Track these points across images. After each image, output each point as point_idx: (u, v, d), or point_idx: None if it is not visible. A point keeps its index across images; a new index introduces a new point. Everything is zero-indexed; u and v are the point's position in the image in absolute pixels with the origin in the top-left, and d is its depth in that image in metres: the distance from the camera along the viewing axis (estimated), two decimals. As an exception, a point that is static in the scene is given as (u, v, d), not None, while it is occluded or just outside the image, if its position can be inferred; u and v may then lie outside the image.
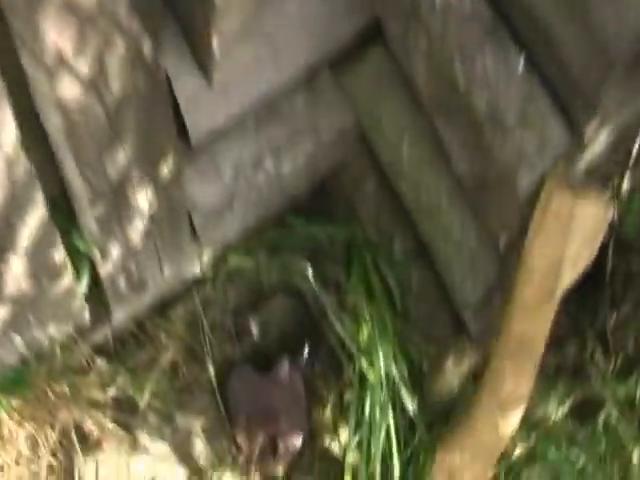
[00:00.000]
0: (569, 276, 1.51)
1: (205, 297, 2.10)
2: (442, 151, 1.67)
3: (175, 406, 2.12)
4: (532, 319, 1.58)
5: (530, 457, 2.23)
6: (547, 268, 1.50)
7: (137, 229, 1.66)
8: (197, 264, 1.98)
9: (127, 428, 2.07)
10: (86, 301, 1.82)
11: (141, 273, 1.81)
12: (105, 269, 1.74)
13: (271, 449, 2.15)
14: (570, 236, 1.45)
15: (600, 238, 1.49)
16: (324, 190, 2.07)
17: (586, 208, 1.44)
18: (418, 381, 2.13)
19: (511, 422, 1.78)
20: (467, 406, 1.87)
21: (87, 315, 1.86)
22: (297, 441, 2.17)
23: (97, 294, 1.83)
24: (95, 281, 1.77)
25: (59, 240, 1.55)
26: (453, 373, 2.12)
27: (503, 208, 1.59)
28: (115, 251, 1.68)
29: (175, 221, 1.72)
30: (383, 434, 2.04)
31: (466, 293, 1.86)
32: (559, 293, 1.54)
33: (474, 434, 1.82)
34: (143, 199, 1.57)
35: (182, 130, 1.59)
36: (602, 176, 1.56)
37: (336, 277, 2.13)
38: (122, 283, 1.81)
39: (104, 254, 1.67)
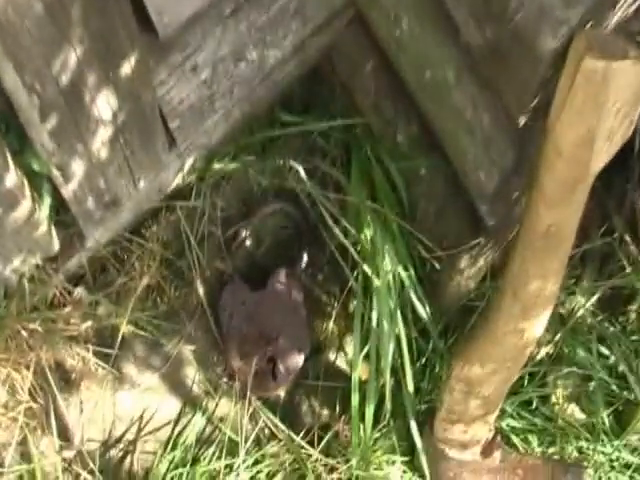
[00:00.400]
0: (604, 153, 1.35)
1: (190, 210, 1.97)
2: (447, 18, 1.51)
3: (162, 333, 2.01)
4: (560, 208, 1.43)
5: (557, 358, 2.16)
6: (578, 145, 1.33)
7: (101, 140, 1.51)
8: (178, 174, 1.86)
9: (111, 361, 1.97)
10: (54, 227, 1.71)
11: (112, 189, 1.68)
12: (69, 189, 1.59)
13: (270, 371, 2.04)
14: (604, 105, 1.28)
15: (640, 105, 1.32)
16: (317, 80, 1.96)
17: (624, 70, 1.26)
18: (429, 285, 2.04)
19: (537, 327, 1.66)
20: (486, 311, 1.74)
21: (55, 242, 1.75)
22: (298, 360, 2.06)
23: (65, 218, 1.72)
24: (62, 204, 1.65)
25: (10, 162, 1.43)
26: (468, 274, 2.01)
27: (521, 79, 1.42)
28: (78, 168, 1.54)
29: (146, 127, 1.60)
30: (393, 344, 1.93)
31: (480, 182, 1.72)
32: (592, 174, 1.38)
33: (495, 342, 1.69)
34: (104, 105, 1.43)
35: (146, 21, 1.42)
36: (629, 34, 1.39)
37: (335, 177, 2.02)
38: (91, 203, 1.67)
39: (65, 173, 1.53)
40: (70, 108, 1.39)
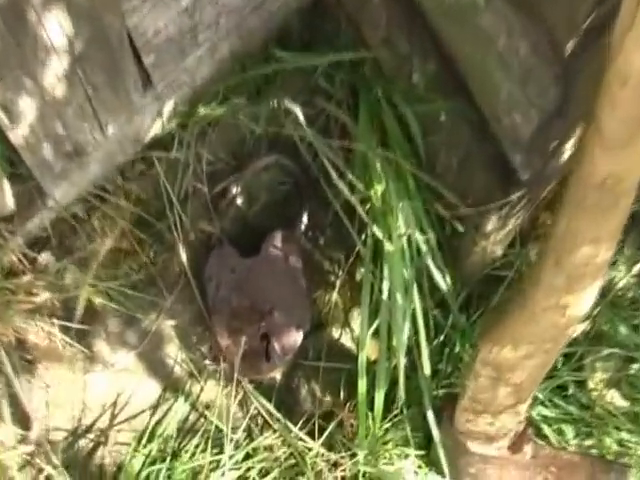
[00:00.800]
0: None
1: (171, 162, 1.81)
2: None
3: (139, 305, 1.86)
4: (621, 153, 1.18)
5: (595, 337, 2.00)
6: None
7: (54, 73, 1.38)
8: (156, 119, 1.71)
9: (81, 337, 1.83)
10: (8, 181, 1.59)
11: (73, 135, 1.54)
12: (18, 134, 1.46)
13: (263, 350, 1.88)
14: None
15: None
16: (319, 12, 1.81)
17: None
18: (450, 250, 1.85)
19: (583, 302, 1.42)
20: (521, 282, 1.54)
21: (10, 199, 1.63)
22: (296, 337, 1.89)
23: (22, 171, 1.59)
24: (16, 153, 1.52)
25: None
26: (495, 238, 1.81)
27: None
28: (27, 107, 1.41)
29: (113, 61, 1.46)
30: (407, 319, 1.77)
31: (515, 127, 1.52)
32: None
33: (532, 320, 1.46)
34: (55, 28, 1.30)
35: None
36: None
37: (340, 123, 1.83)
38: (49, 152, 1.54)
39: (12, 114, 1.39)
40: (10, 30, 1.23)
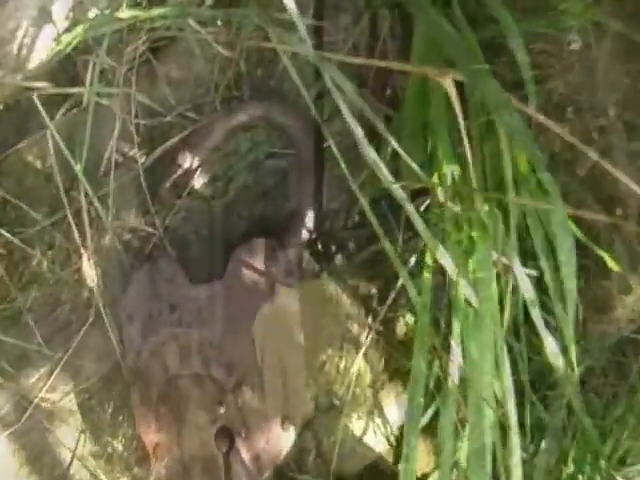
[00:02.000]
0: None
1: (79, 110, 1.17)
2: None
3: (16, 357, 1.18)
4: None
5: None
6: None
7: None
8: (44, 24, 1.10)
9: None
10: None
11: None
12: None
13: (222, 456, 1.11)
14: None
15: None
16: None
17: None
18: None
19: None
20: None
21: None
22: (281, 437, 1.12)
23: None
24: None
25: None
26: None
27: None
28: None
29: None
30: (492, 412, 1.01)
31: None
32: None
33: None
34: None
35: None
36: None
37: (378, 55, 1.16)
38: None
39: None
40: None
